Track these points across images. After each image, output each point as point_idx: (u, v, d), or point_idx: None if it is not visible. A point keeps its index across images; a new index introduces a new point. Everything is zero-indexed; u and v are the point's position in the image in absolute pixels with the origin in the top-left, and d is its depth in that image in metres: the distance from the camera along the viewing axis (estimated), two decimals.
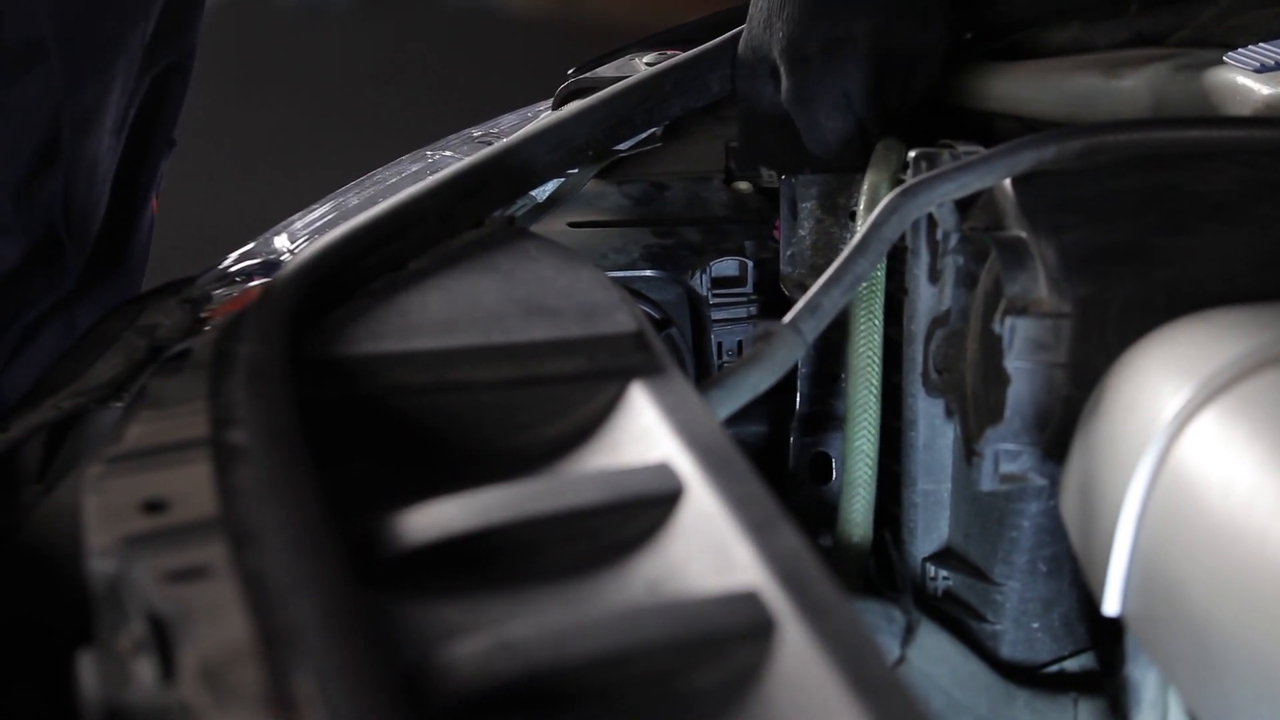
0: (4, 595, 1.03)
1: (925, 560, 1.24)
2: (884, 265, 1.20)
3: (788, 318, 1.03)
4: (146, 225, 1.60)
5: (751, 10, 1.33)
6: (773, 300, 1.39)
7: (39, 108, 1.23)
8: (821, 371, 1.33)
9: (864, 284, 1.19)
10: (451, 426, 0.87)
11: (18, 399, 1.13)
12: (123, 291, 1.53)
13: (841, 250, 1.09)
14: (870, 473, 1.21)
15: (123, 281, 1.55)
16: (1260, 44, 1.20)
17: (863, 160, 1.25)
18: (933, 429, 1.20)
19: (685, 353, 1.43)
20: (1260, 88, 1.14)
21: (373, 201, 1.41)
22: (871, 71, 1.27)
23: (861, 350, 1.20)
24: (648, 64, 1.49)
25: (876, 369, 1.20)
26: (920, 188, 1.09)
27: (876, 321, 1.20)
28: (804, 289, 1.07)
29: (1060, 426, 1.01)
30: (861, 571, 1.24)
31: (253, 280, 1.22)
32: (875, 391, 1.21)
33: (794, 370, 1.31)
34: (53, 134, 1.26)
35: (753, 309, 1.41)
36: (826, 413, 1.34)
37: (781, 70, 1.29)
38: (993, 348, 1.05)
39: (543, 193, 1.36)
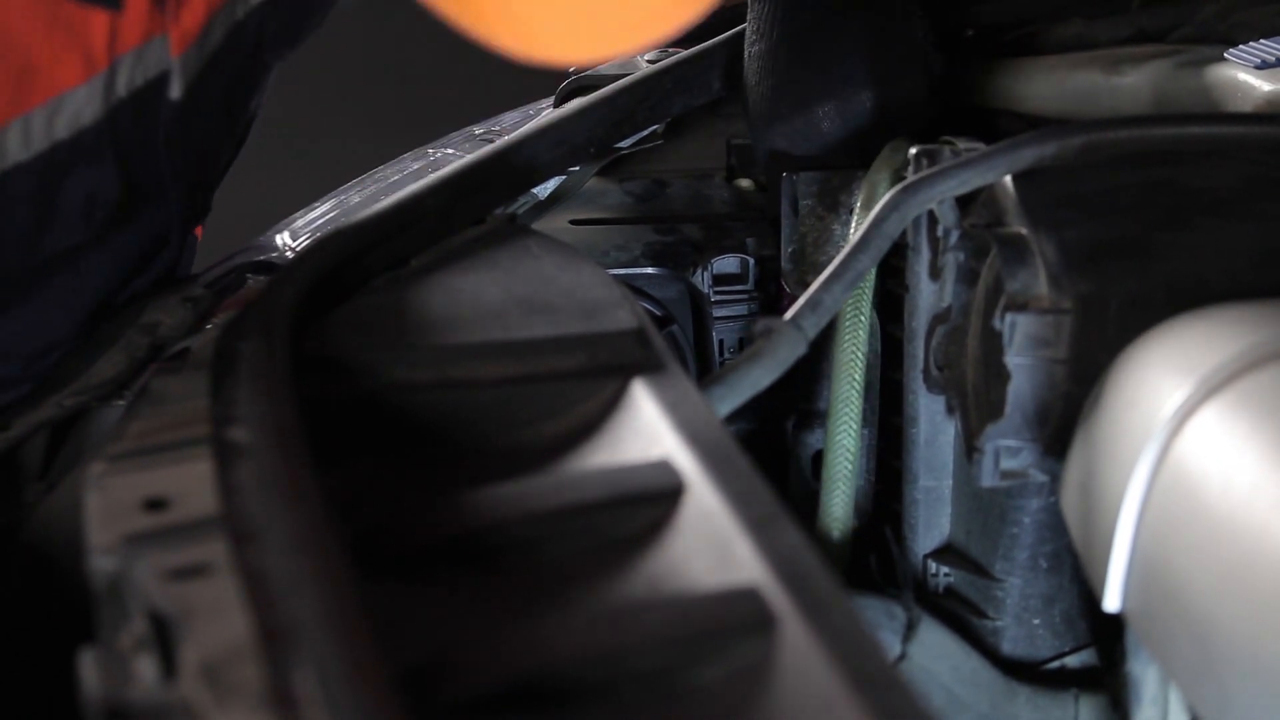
0: (5, 593, 1.03)
1: (926, 557, 1.24)
2: None
3: (789, 314, 1.03)
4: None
5: None
6: (774, 297, 1.39)
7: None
8: (823, 369, 1.33)
9: None
10: (453, 424, 0.87)
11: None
12: None
13: (843, 247, 1.09)
14: (851, 468, 1.21)
15: None
16: (1261, 40, 1.20)
17: None
18: (934, 426, 1.21)
19: (686, 350, 1.43)
20: (1261, 84, 1.14)
21: (375, 199, 1.41)
22: None
23: (846, 345, 1.20)
24: (649, 61, 1.49)
25: (861, 365, 1.20)
26: (921, 184, 1.09)
27: (863, 318, 1.20)
28: (806, 285, 1.07)
29: (1060, 423, 1.01)
30: (845, 568, 1.24)
31: (254, 278, 1.22)
32: (859, 388, 1.21)
33: (796, 367, 1.32)
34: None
35: (754, 306, 1.41)
36: (827, 410, 1.34)
37: None
38: (993, 344, 1.05)
39: (544, 190, 1.36)
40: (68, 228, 1.13)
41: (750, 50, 1.34)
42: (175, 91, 1.13)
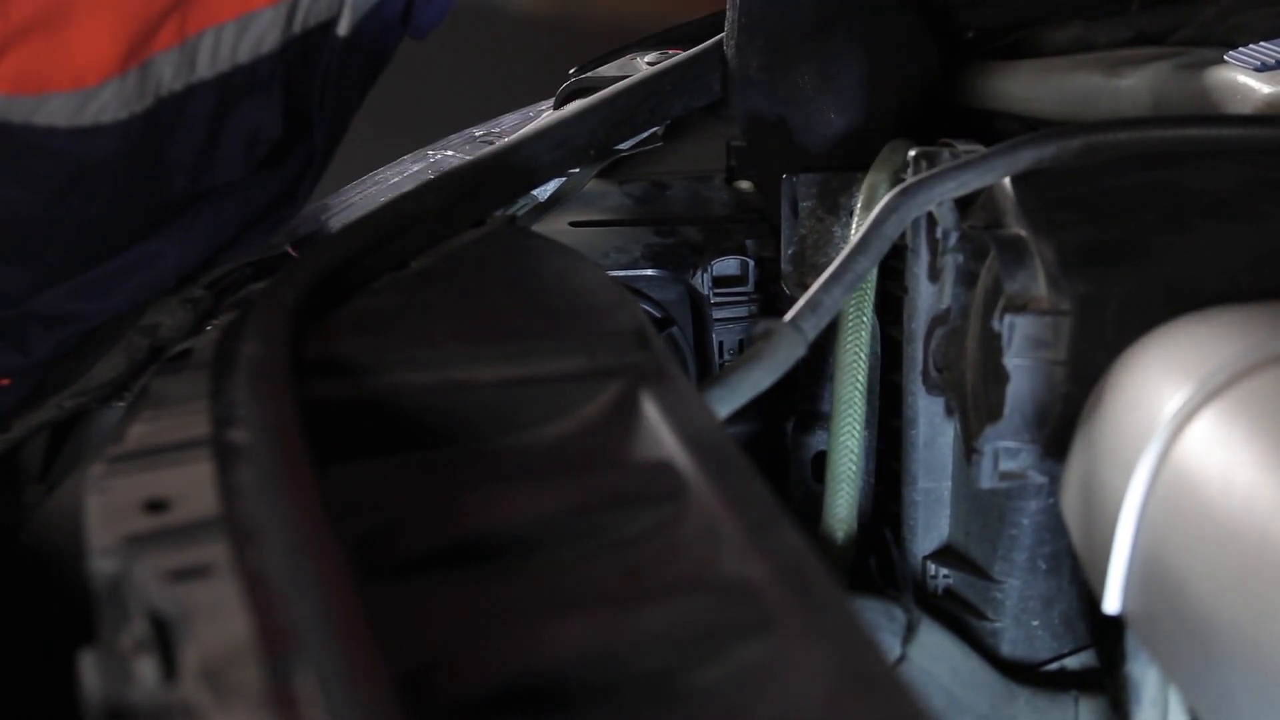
0: (6, 594, 1.03)
1: (926, 558, 1.24)
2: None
3: (789, 316, 1.03)
4: None
5: None
6: (774, 299, 1.39)
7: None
8: (823, 370, 1.33)
9: None
10: (453, 425, 0.87)
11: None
12: None
13: (842, 249, 1.09)
14: (855, 469, 1.21)
15: None
16: (1261, 42, 1.20)
17: None
18: (933, 427, 1.21)
19: (686, 351, 1.43)
20: (1260, 86, 1.14)
21: (375, 201, 1.41)
22: None
23: (849, 347, 1.20)
24: (649, 63, 1.49)
25: (863, 366, 1.20)
26: (920, 186, 1.09)
27: (865, 319, 1.20)
28: (805, 287, 1.07)
29: (1059, 424, 1.02)
30: (848, 570, 1.24)
31: (254, 279, 1.22)
32: (861, 389, 1.21)
33: (795, 368, 1.32)
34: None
35: (754, 308, 1.41)
36: (827, 411, 1.34)
37: None
38: (992, 345, 1.05)
39: (544, 192, 1.36)
40: (228, 163, 1.07)
41: (731, 64, 1.34)
42: (344, 28, 1.08)
